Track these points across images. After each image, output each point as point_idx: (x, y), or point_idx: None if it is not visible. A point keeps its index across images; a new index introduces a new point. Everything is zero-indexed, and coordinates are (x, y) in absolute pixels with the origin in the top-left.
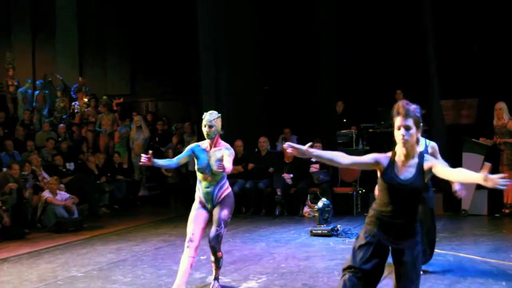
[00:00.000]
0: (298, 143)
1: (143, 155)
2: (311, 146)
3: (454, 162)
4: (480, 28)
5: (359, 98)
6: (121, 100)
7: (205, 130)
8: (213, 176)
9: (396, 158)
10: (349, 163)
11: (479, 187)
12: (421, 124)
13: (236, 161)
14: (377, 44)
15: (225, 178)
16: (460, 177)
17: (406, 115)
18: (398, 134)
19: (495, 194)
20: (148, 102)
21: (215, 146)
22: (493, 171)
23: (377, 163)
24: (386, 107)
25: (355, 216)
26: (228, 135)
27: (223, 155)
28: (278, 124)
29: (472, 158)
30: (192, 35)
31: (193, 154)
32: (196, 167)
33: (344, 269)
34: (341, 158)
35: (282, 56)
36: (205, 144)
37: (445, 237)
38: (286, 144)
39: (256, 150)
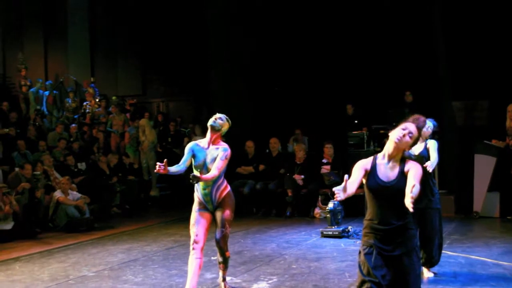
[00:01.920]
0: (309, 144)
1: (158, 163)
2: (322, 147)
3: (466, 164)
4: (492, 27)
5: (370, 100)
6: (135, 100)
7: (211, 120)
8: None
9: (378, 161)
10: (356, 186)
11: (491, 189)
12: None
13: (246, 162)
14: (387, 45)
15: (222, 177)
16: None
17: (417, 125)
18: (399, 132)
19: (507, 196)
20: (159, 103)
21: (213, 144)
22: (506, 173)
23: (365, 170)
24: (397, 108)
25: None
26: (239, 136)
27: (218, 155)
28: (289, 125)
29: (484, 160)
30: (203, 35)
31: (193, 153)
32: (193, 165)
33: (359, 287)
34: (352, 187)
35: (293, 57)
36: (203, 142)
37: (456, 239)
38: (334, 189)
39: (267, 151)
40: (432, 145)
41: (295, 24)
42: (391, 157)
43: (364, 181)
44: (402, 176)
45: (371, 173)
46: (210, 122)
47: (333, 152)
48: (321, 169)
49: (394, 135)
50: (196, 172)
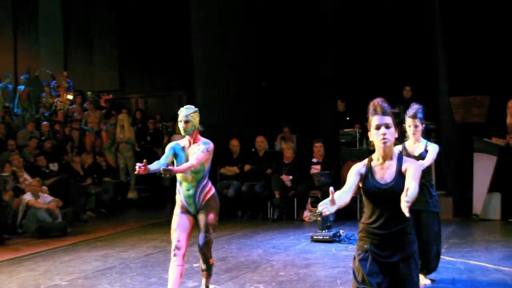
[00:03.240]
0: (298, 142)
1: (138, 164)
2: (312, 145)
3: (465, 163)
4: (493, 19)
5: (362, 95)
6: (111, 96)
7: (181, 125)
8: (193, 176)
9: (373, 164)
10: (351, 194)
11: (491, 189)
12: (423, 124)
13: (231, 162)
14: (381, 37)
15: (207, 177)
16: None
17: (384, 112)
18: (378, 134)
19: (508, 197)
20: (138, 99)
21: (194, 143)
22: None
23: (361, 175)
24: (392, 104)
25: (359, 221)
26: (223, 134)
27: (198, 150)
28: (276, 122)
29: (484, 159)
30: (184, 27)
31: (174, 152)
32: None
33: None
34: (346, 197)
35: (281, 50)
36: (184, 141)
37: (455, 243)
38: (320, 207)
39: (253, 150)
40: (432, 148)
41: (284, 15)
42: (385, 158)
43: (360, 185)
44: (400, 176)
45: (366, 177)
46: (183, 118)
47: (324, 151)
48: (311, 169)
49: (376, 140)
50: (179, 176)
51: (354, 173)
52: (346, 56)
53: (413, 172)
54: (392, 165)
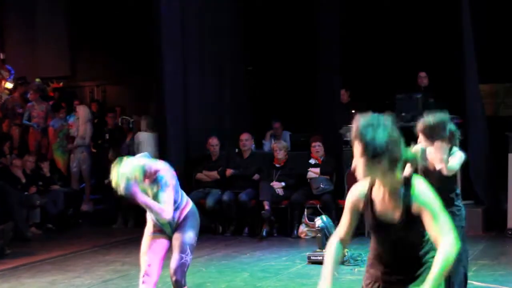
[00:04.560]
0: (292, 141)
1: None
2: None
3: (498, 166)
4: None
5: (370, 83)
6: (61, 84)
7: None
8: None
9: (374, 192)
10: (347, 231)
11: None
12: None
13: (210, 166)
14: (393, 13)
15: (180, 194)
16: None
17: (359, 140)
18: (354, 166)
19: None
20: (94, 87)
21: (150, 178)
22: None
23: (358, 210)
24: (408, 93)
25: (367, 238)
26: (199, 131)
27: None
28: (265, 116)
29: None
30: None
31: None
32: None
33: None
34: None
35: (272, 28)
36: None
37: (486, 265)
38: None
39: (237, 150)
40: (458, 155)
41: None
42: (382, 184)
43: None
44: (410, 218)
45: (366, 209)
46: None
47: (323, 151)
48: (308, 173)
49: (357, 171)
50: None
51: (349, 207)
52: (352, 36)
53: (438, 224)
54: (394, 195)
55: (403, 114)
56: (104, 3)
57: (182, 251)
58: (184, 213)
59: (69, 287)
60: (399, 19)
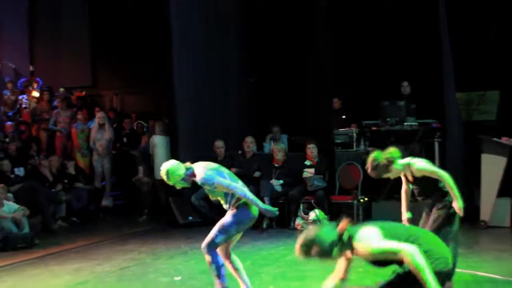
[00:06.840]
0: (289, 143)
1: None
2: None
3: (472, 165)
4: (501, 7)
5: (359, 92)
6: (84, 93)
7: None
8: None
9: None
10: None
11: (501, 194)
12: None
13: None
14: (379, 27)
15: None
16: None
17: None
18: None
19: None
20: (112, 96)
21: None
22: None
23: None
24: (392, 101)
25: None
26: (206, 134)
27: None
28: (265, 121)
29: (493, 161)
30: (163, 16)
31: None
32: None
33: None
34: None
35: (271, 43)
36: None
37: (461, 253)
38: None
39: (240, 152)
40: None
41: (273, 4)
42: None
43: None
44: None
45: None
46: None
47: (317, 153)
48: (303, 172)
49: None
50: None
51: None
52: (341, 50)
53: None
54: None
55: (387, 119)
56: (120, 23)
57: (217, 229)
58: (236, 204)
59: (92, 273)
60: (383, 34)
